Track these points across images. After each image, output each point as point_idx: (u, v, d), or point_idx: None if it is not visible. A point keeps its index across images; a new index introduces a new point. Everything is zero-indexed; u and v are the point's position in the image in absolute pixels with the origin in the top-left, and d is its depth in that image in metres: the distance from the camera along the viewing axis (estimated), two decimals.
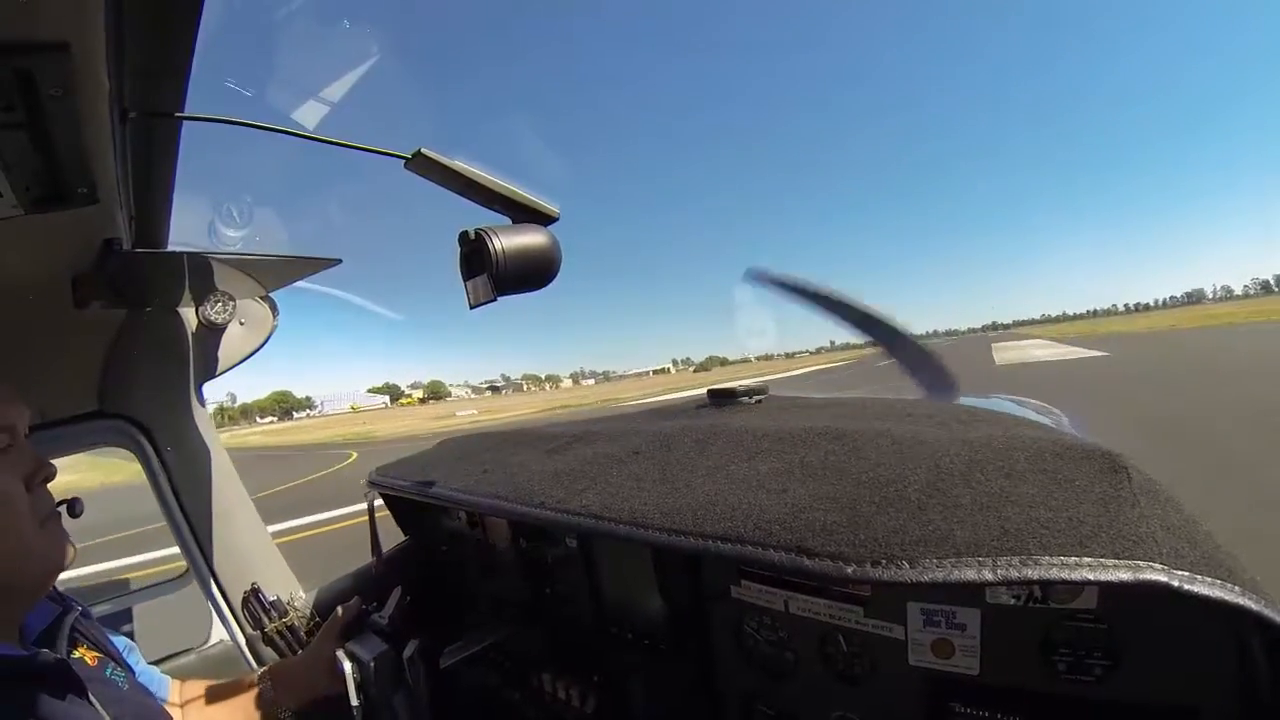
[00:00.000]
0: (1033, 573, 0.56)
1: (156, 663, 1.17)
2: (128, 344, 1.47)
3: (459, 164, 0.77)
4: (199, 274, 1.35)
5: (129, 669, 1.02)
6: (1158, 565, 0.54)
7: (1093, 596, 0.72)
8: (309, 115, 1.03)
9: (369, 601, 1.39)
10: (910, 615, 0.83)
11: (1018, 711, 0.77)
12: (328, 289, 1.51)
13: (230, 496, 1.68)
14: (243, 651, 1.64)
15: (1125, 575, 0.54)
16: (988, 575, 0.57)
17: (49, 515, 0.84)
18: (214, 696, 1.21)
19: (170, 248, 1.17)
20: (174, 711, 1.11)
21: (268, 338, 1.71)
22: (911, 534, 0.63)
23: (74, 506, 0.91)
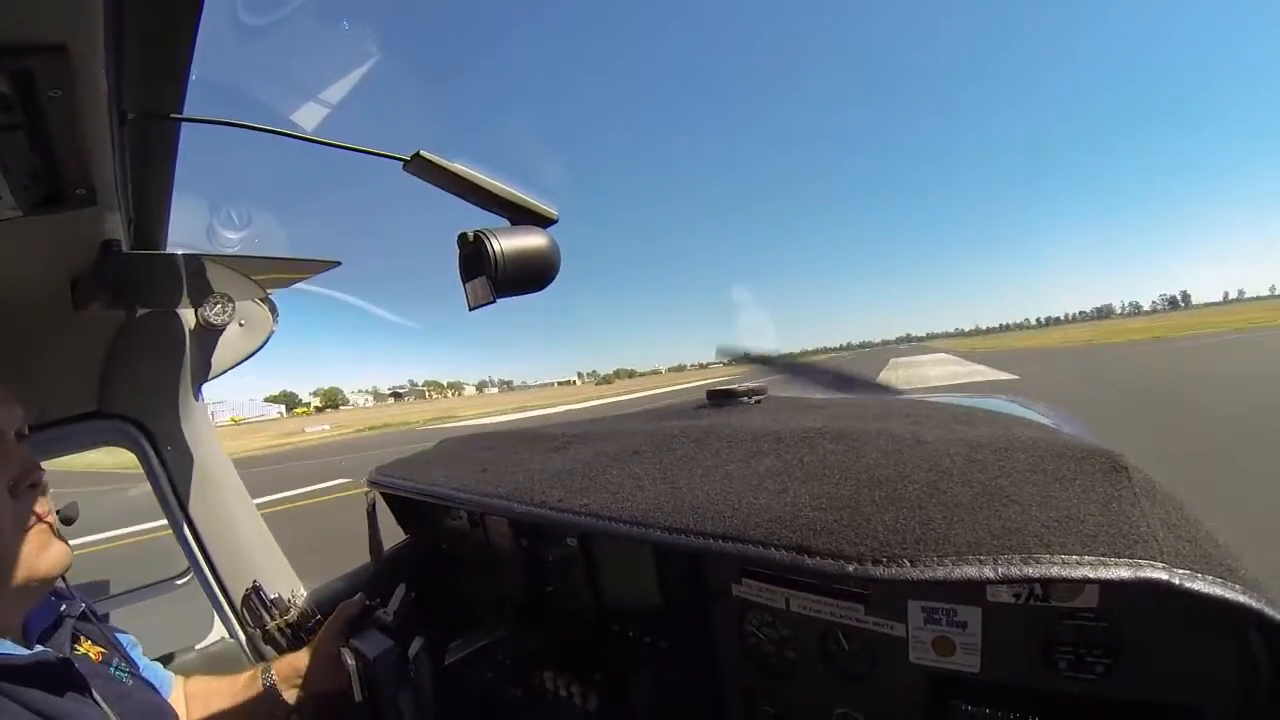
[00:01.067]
0: (1033, 571, 0.56)
1: (157, 660, 1.17)
2: (127, 345, 1.47)
3: (458, 166, 0.77)
4: (198, 275, 1.35)
5: (133, 665, 1.02)
6: (1158, 563, 0.55)
7: (1093, 595, 0.72)
8: (308, 117, 1.03)
9: (371, 599, 1.39)
10: (911, 613, 0.83)
11: (1019, 709, 0.78)
12: (328, 290, 1.51)
13: (230, 495, 1.68)
14: (243, 649, 1.65)
15: (1125, 573, 0.54)
16: (988, 573, 0.57)
17: (34, 522, 0.82)
18: (217, 692, 1.22)
19: (169, 249, 1.17)
20: (177, 707, 1.11)
21: (267, 339, 1.72)
22: (912, 533, 0.63)
23: (67, 514, 0.89)
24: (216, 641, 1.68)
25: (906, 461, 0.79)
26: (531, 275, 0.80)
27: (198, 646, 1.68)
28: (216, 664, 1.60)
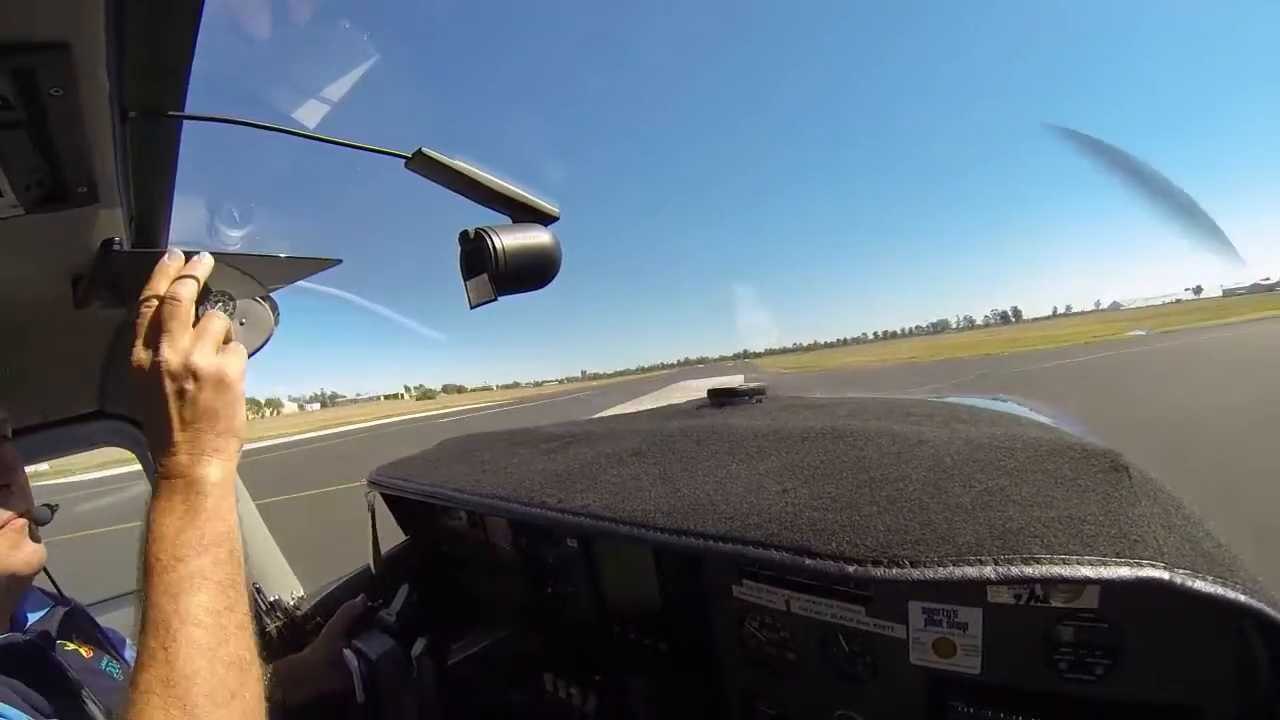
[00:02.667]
0: (1034, 571, 0.56)
1: None
2: (128, 344, 1.47)
3: (459, 163, 0.77)
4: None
5: (126, 663, 1.02)
6: (1158, 564, 0.55)
7: (1094, 595, 0.72)
8: (309, 115, 1.03)
9: (372, 600, 1.39)
10: (912, 614, 0.83)
11: (1019, 710, 0.77)
12: (330, 290, 1.51)
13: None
14: None
15: (1126, 574, 0.54)
16: (989, 574, 0.57)
17: (5, 522, 0.81)
18: None
19: (171, 247, 1.17)
20: None
21: (269, 338, 1.71)
22: (912, 533, 0.63)
23: (40, 514, 0.89)
24: None
25: (907, 462, 0.79)
26: (533, 272, 0.80)
27: None
28: None
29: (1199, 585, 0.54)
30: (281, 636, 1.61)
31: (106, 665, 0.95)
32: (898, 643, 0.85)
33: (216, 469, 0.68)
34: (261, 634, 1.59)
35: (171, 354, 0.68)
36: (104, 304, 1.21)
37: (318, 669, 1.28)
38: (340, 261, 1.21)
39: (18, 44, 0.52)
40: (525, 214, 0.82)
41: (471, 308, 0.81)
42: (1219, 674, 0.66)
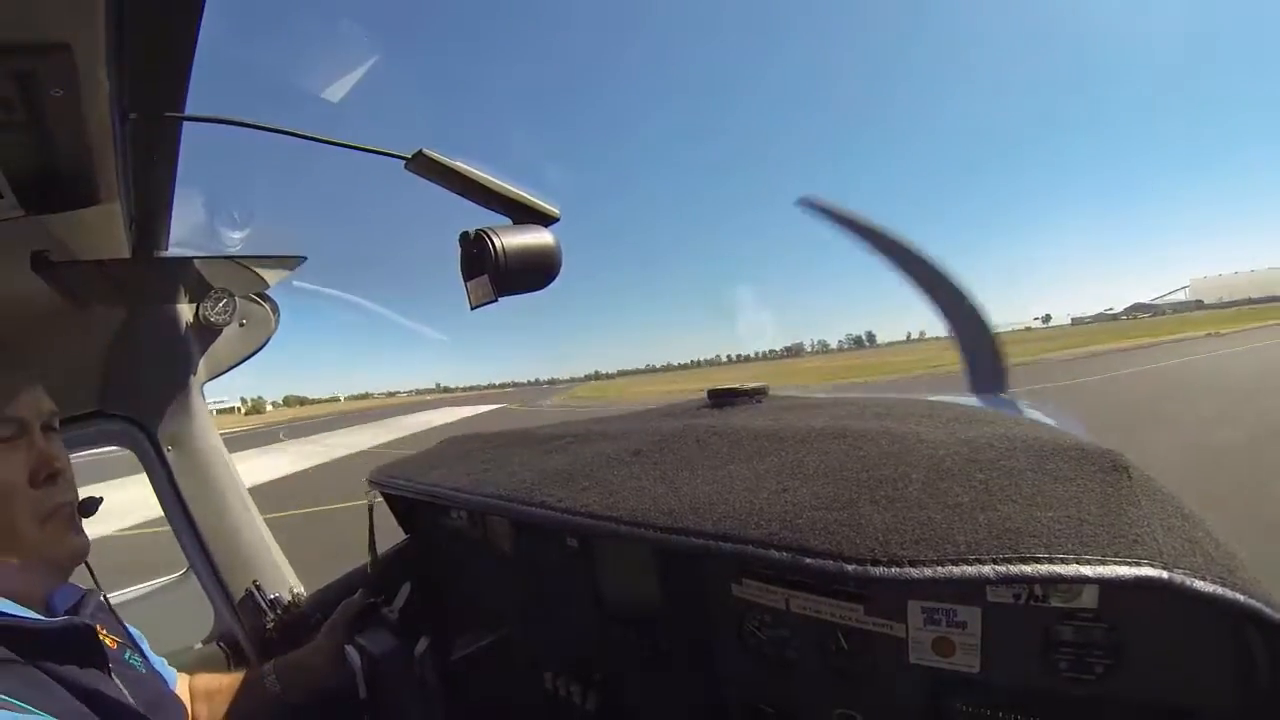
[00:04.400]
0: (1033, 571, 0.56)
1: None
2: (128, 344, 1.48)
3: (460, 164, 0.77)
4: (199, 274, 1.36)
5: (144, 657, 1.03)
6: (1158, 564, 0.55)
7: (1093, 595, 0.72)
8: (310, 115, 1.03)
9: (373, 598, 1.39)
10: (911, 613, 0.83)
11: (1018, 710, 0.78)
12: (332, 290, 1.51)
13: (231, 495, 1.68)
14: (243, 648, 1.65)
15: (1125, 574, 0.54)
16: (988, 574, 0.57)
17: (52, 513, 0.84)
18: (220, 688, 1.22)
19: (171, 248, 1.17)
20: (183, 703, 1.11)
21: (268, 338, 1.72)
22: (912, 533, 0.63)
23: (88, 506, 0.91)
24: (216, 641, 1.68)
25: (907, 461, 0.79)
26: (534, 273, 0.80)
27: (197, 646, 1.68)
28: (216, 664, 1.60)
29: (1198, 585, 0.54)
30: (281, 634, 1.61)
31: (129, 657, 0.97)
32: (897, 642, 0.85)
33: None
34: (261, 631, 1.60)
35: None
36: (106, 304, 1.21)
37: (318, 665, 1.28)
38: (305, 259, 1.21)
39: (19, 45, 0.52)
40: (525, 215, 0.82)
41: (473, 308, 0.81)
42: (1218, 674, 0.66)
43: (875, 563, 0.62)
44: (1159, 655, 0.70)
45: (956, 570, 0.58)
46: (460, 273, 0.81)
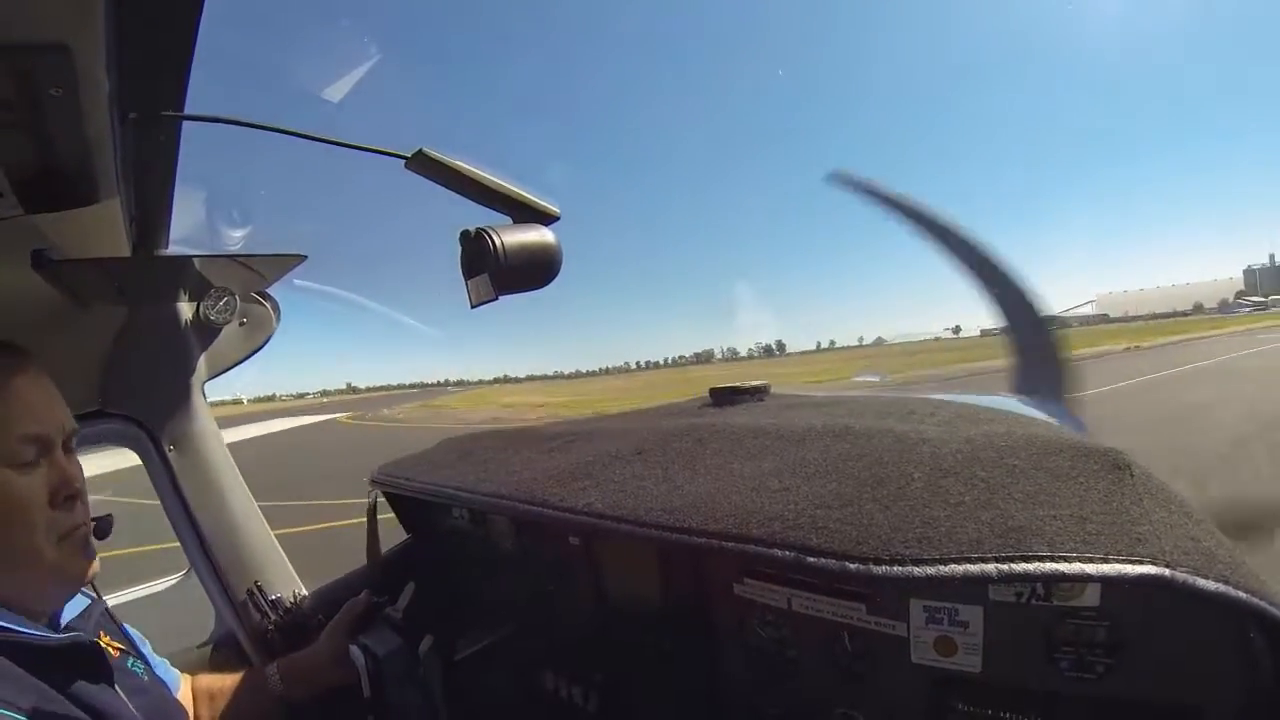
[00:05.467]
0: (1035, 569, 0.56)
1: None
2: (129, 344, 1.47)
3: (460, 163, 0.77)
4: (199, 273, 1.35)
5: (146, 662, 1.03)
6: (1160, 562, 0.55)
7: (1095, 594, 0.72)
8: (310, 115, 1.03)
9: (378, 597, 1.39)
10: (913, 612, 0.83)
11: (1020, 709, 0.77)
12: (333, 290, 1.51)
13: (232, 495, 1.68)
14: (245, 649, 1.65)
15: (1128, 572, 0.54)
16: (990, 572, 0.57)
17: (69, 532, 0.84)
18: (224, 689, 1.22)
19: (171, 247, 1.17)
20: (185, 704, 1.12)
21: (269, 337, 1.72)
22: (914, 531, 0.63)
23: (102, 527, 0.92)
24: (218, 641, 1.68)
25: (909, 460, 0.79)
26: (534, 272, 0.80)
27: (198, 646, 1.68)
28: (217, 664, 1.60)
29: (1201, 584, 0.54)
30: (282, 635, 1.61)
31: (132, 665, 0.97)
32: (899, 641, 0.85)
33: None
34: (262, 632, 1.60)
35: None
36: (106, 303, 1.21)
37: (321, 665, 1.28)
38: (305, 257, 1.21)
39: (18, 45, 0.52)
40: (525, 214, 0.82)
41: (473, 307, 0.81)
42: (1220, 672, 0.66)
43: (877, 561, 0.61)
44: (1161, 654, 0.69)
45: (959, 569, 0.58)
46: (460, 271, 0.81)
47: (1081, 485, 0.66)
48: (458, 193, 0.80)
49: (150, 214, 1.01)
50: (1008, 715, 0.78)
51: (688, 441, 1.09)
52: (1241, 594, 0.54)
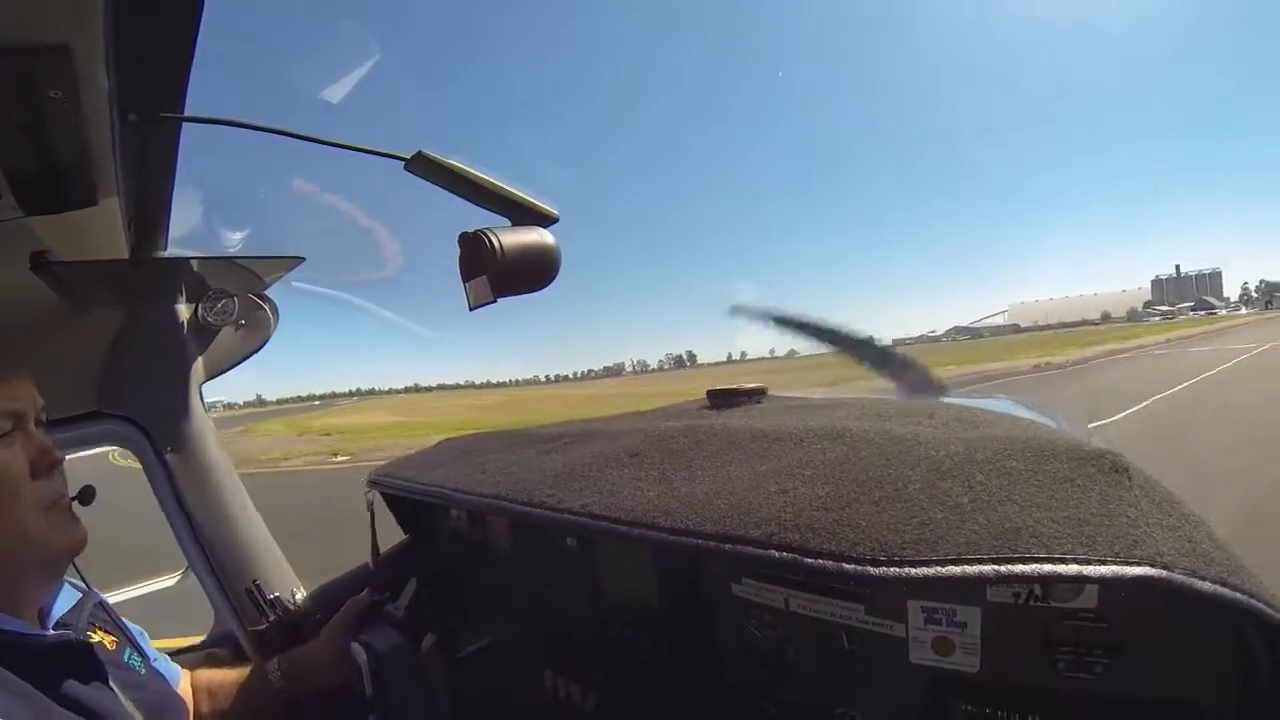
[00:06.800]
0: (1033, 571, 0.56)
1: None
2: (127, 344, 1.48)
3: (459, 165, 0.77)
4: (197, 275, 1.36)
5: (144, 655, 1.03)
6: (1158, 564, 0.55)
7: (1093, 595, 0.72)
8: (309, 116, 1.03)
9: (378, 595, 1.39)
10: (911, 613, 0.83)
11: (1018, 709, 0.78)
12: (333, 290, 1.51)
13: (230, 495, 1.68)
14: (243, 648, 1.65)
15: (1125, 574, 0.54)
16: (987, 573, 0.57)
17: (54, 502, 0.84)
18: (224, 685, 1.22)
19: (170, 248, 1.17)
20: (185, 699, 1.12)
21: (267, 338, 1.72)
22: (911, 532, 0.63)
23: (85, 495, 0.92)
24: (216, 641, 1.68)
25: (906, 462, 0.79)
26: (532, 274, 0.80)
27: (197, 645, 1.68)
28: (216, 662, 1.60)
29: (1198, 586, 0.54)
30: (280, 633, 1.61)
31: (129, 658, 0.97)
32: (897, 641, 0.85)
33: None
34: (261, 631, 1.60)
35: None
36: (104, 304, 1.21)
37: (323, 662, 1.28)
38: (303, 259, 1.21)
39: (17, 46, 0.52)
40: (524, 216, 0.82)
41: (471, 309, 0.81)
42: (1218, 673, 0.66)
43: (875, 562, 0.62)
44: (1158, 655, 0.70)
45: (956, 570, 0.58)
46: (459, 273, 0.81)
47: (1079, 487, 0.66)
48: (457, 194, 0.80)
49: (149, 216, 1.01)
50: (1006, 715, 0.78)
51: (685, 443, 1.09)
52: (1239, 595, 0.54)
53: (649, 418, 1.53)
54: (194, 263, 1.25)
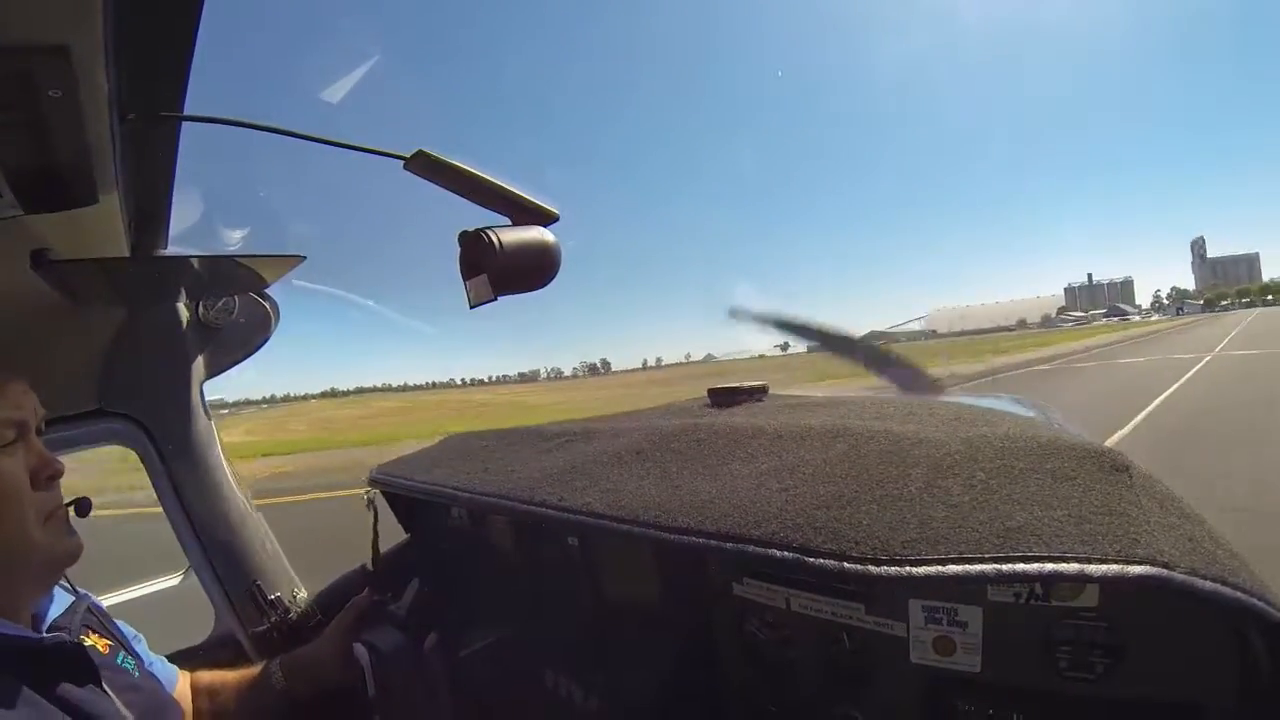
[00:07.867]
0: (1034, 570, 0.56)
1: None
2: (128, 343, 1.47)
3: (459, 164, 0.77)
4: (199, 274, 1.35)
5: (139, 658, 1.03)
6: (1159, 563, 0.55)
7: (1094, 594, 0.72)
8: (309, 116, 1.03)
9: (380, 595, 1.39)
10: (912, 613, 0.83)
11: (1019, 709, 0.78)
12: (332, 290, 1.51)
13: (231, 495, 1.68)
14: (244, 649, 1.65)
15: (1126, 573, 0.54)
16: (988, 572, 0.57)
17: (53, 512, 0.84)
18: (225, 686, 1.22)
19: (170, 247, 1.17)
20: (183, 701, 1.12)
21: (268, 337, 1.72)
22: (912, 532, 0.63)
23: (82, 506, 0.92)
24: (216, 641, 1.68)
25: (907, 460, 0.79)
26: (532, 273, 0.80)
27: (197, 645, 1.68)
28: (216, 663, 1.60)
29: (1199, 585, 0.54)
30: (281, 634, 1.61)
31: (122, 661, 0.97)
32: (898, 641, 0.85)
33: None
34: (262, 632, 1.60)
35: None
36: (105, 303, 1.21)
37: (325, 662, 1.28)
38: (304, 258, 1.21)
39: (16, 46, 0.52)
40: (525, 215, 0.82)
41: (471, 307, 0.81)
42: (1219, 672, 0.66)
43: (876, 561, 0.62)
44: (1160, 654, 0.70)
45: (958, 569, 0.58)
46: (459, 272, 0.81)
47: (1080, 486, 0.66)
48: (457, 193, 0.80)
49: (149, 214, 1.01)
50: (1007, 715, 0.78)
51: (686, 442, 1.09)
52: (1240, 594, 0.54)
53: (650, 416, 1.53)
54: (195, 261, 1.25)
